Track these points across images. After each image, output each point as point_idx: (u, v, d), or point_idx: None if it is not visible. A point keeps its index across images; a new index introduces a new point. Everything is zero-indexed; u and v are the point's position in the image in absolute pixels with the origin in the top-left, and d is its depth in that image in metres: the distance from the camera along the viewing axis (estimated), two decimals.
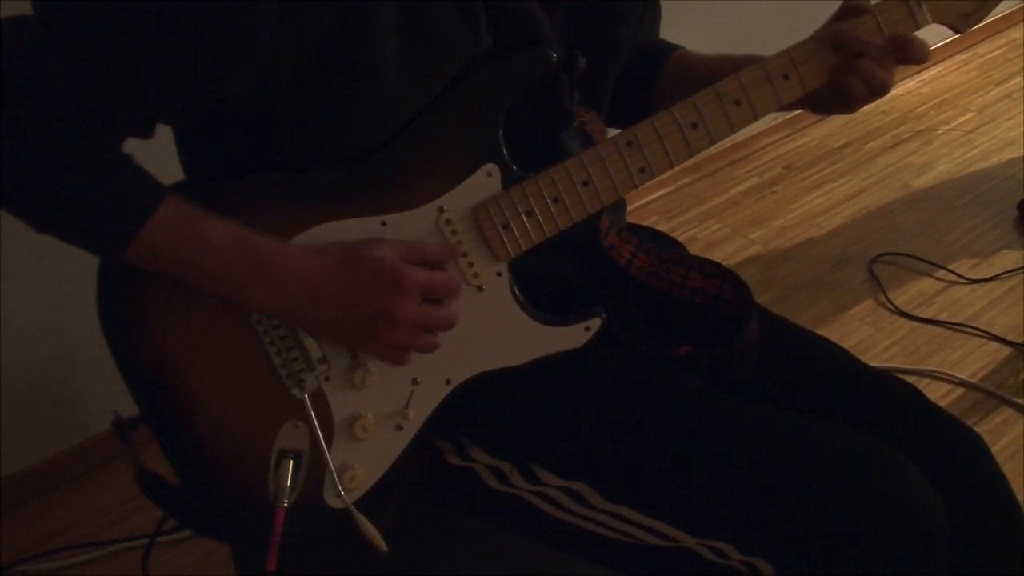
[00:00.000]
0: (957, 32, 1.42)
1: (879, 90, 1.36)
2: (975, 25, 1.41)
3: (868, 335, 2.85)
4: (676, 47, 1.62)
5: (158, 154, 1.30)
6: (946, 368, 2.71)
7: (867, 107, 1.40)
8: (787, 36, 1.42)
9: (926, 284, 3.02)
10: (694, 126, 1.32)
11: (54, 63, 1.12)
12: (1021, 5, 4.15)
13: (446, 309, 1.29)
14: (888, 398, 1.48)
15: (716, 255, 3.09)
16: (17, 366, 2.39)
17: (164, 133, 1.30)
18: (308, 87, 1.19)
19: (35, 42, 1.13)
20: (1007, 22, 4.21)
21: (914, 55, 1.34)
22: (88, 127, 1.16)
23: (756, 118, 1.35)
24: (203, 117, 1.26)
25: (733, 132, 1.35)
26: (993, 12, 1.44)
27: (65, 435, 2.55)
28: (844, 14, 1.37)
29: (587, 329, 1.35)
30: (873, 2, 1.36)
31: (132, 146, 1.23)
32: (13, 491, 2.49)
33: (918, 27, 1.37)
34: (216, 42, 1.12)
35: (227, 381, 1.30)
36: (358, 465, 1.33)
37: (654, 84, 1.57)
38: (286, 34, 1.13)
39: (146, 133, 1.22)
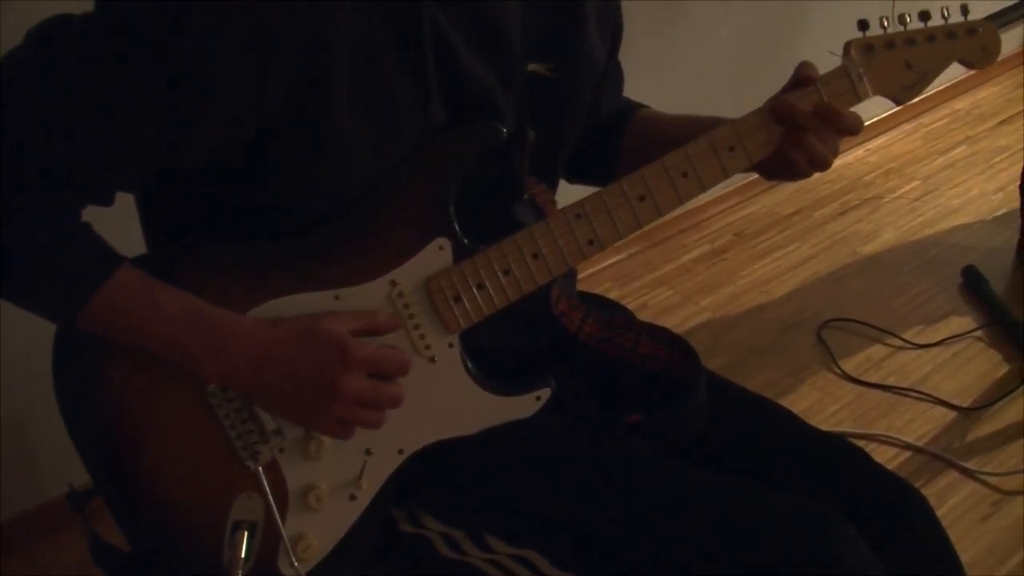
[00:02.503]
0: (898, 104, 1.47)
1: (819, 164, 1.40)
2: (915, 97, 1.46)
3: (817, 399, 2.88)
4: (639, 106, 1.66)
5: (118, 224, 1.32)
6: (893, 432, 2.74)
7: (815, 176, 1.44)
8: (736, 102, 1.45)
9: (874, 349, 3.06)
10: (642, 198, 1.35)
11: (17, 131, 1.14)
12: (963, 77, 4.24)
13: (392, 386, 1.30)
14: (835, 460, 1.50)
15: (667, 321, 3.12)
16: None
17: (125, 207, 1.32)
18: (265, 155, 1.22)
19: (1, 109, 1.15)
20: (950, 93, 4.29)
21: (846, 126, 1.38)
22: (51, 193, 1.18)
23: (704, 189, 1.39)
24: (163, 182, 1.27)
25: (681, 204, 1.38)
26: (936, 84, 1.49)
27: (19, 498, 2.52)
28: (793, 85, 1.41)
29: (537, 399, 1.37)
30: None
31: (92, 216, 1.24)
32: None
33: (860, 99, 1.42)
34: (175, 110, 1.15)
35: (182, 452, 1.30)
36: (312, 535, 1.34)
37: (618, 146, 1.60)
38: (244, 105, 1.16)
39: (106, 200, 1.24)
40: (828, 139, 1.39)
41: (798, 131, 1.38)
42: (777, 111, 1.38)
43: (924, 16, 1.43)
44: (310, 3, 1.16)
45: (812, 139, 1.38)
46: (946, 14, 1.44)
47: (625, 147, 1.60)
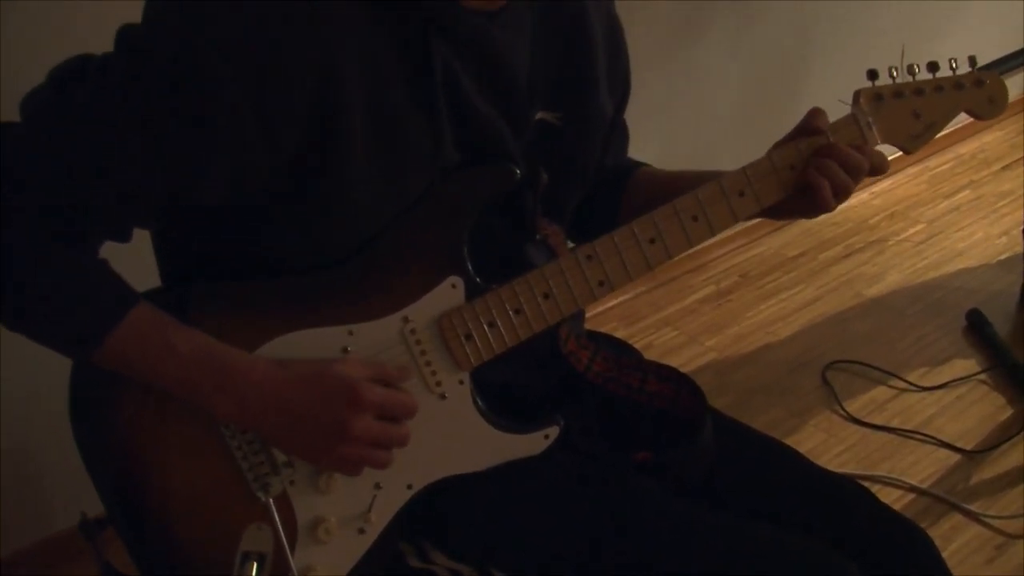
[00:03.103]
0: (906, 153, 1.48)
1: (843, 192, 1.40)
2: (923, 146, 1.48)
3: (821, 440, 2.88)
4: (640, 164, 1.67)
5: (135, 259, 1.34)
6: (897, 474, 2.75)
7: (820, 218, 1.45)
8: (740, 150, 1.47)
9: (878, 391, 3.07)
10: (652, 241, 1.37)
11: (40, 165, 1.16)
12: (967, 122, 4.26)
13: (400, 427, 1.32)
14: (842, 500, 1.51)
15: (673, 361, 3.13)
16: None
17: (142, 242, 1.34)
18: (281, 194, 1.24)
19: (22, 145, 1.17)
20: (955, 138, 4.31)
21: (877, 164, 1.42)
22: (69, 229, 1.20)
23: (713, 234, 1.41)
24: (180, 221, 1.29)
25: (691, 247, 1.40)
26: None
27: (26, 530, 2.53)
28: (800, 132, 1.43)
29: (546, 437, 1.38)
30: None
31: (110, 251, 1.26)
32: None
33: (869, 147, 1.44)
34: (193, 150, 1.17)
35: (194, 482, 1.32)
36: (320, 567, 1.35)
37: (618, 202, 1.61)
38: (260, 145, 1.18)
39: (123, 236, 1.26)
40: (860, 176, 1.41)
41: (832, 166, 1.39)
42: (814, 151, 1.40)
43: (932, 67, 1.45)
44: (322, 47, 1.18)
45: (838, 168, 1.39)
46: (954, 65, 1.46)
47: (626, 204, 1.61)
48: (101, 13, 1.18)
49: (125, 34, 1.18)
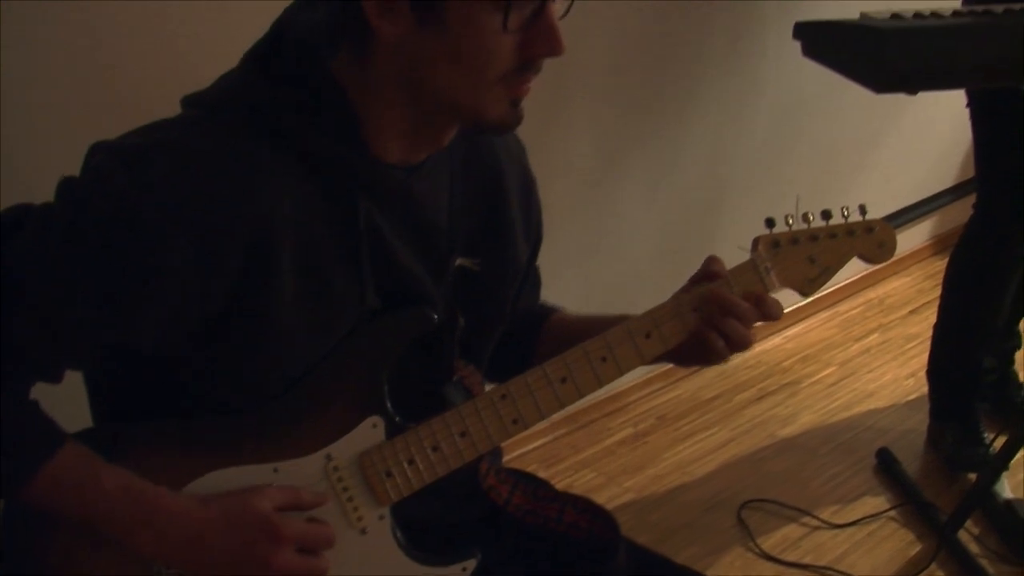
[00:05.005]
0: (804, 295, 1.55)
1: (741, 345, 1.46)
2: (818, 290, 1.55)
3: None
4: (554, 309, 1.74)
5: (67, 399, 1.37)
6: None
7: (735, 361, 1.51)
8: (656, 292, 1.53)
9: (792, 529, 3.12)
10: (563, 381, 1.43)
11: None
12: (876, 268, 4.39)
13: (319, 559, 1.36)
14: None
15: None
16: None
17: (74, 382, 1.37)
18: (212, 340, 1.29)
19: None
20: (864, 283, 4.43)
21: (770, 311, 1.47)
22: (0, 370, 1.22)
23: (621, 373, 1.46)
24: (111, 363, 1.34)
25: (600, 386, 1.46)
26: (850, 274, 1.58)
27: None
28: (701, 278, 1.50)
29: (464, 569, 1.43)
30: None
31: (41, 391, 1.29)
32: None
33: (767, 291, 1.50)
34: (128, 303, 1.22)
35: None
36: None
37: (533, 346, 1.67)
38: (195, 296, 1.23)
39: (55, 378, 1.30)
40: (750, 323, 1.46)
41: (719, 316, 1.45)
42: (706, 298, 1.45)
43: (826, 215, 1.51)
44: (257, 203, 1.24)
45: (735, 323, 1.44)
46: (846, 213, 1.53)
47: (540, 350, 1.66)
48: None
49: (66, 187, 1.24)
